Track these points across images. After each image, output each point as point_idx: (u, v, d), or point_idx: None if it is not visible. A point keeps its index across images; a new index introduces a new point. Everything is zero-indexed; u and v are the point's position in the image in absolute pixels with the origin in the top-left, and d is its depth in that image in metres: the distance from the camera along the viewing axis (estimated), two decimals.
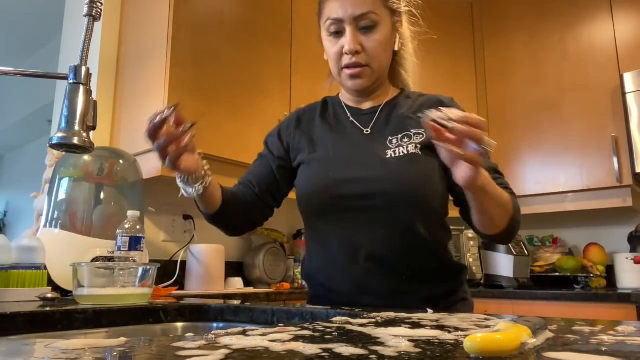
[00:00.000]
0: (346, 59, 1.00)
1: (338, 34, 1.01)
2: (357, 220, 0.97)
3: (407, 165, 0.97)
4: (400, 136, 1.01)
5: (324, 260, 1.04)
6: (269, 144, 1.15)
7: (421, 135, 1.00)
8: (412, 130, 1.01)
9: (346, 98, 1.12)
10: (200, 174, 0.92)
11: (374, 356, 0.37)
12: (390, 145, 1.00)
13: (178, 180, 0.93)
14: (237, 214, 1.08)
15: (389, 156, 0.98)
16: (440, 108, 0.73)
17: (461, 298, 1.03)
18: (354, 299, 0.97)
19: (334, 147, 1.05)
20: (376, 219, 0.96)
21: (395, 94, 1.11)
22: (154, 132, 0.84)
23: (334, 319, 0.63)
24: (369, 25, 1.00)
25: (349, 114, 1.09)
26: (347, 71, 1.01)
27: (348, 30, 0.99)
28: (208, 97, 1.92)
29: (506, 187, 0.96)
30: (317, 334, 0.49)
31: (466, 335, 0.38)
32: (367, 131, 1.05)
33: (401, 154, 0.98)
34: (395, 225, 0.96)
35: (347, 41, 0.99)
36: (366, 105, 1.09)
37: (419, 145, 0.98)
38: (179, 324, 0.94)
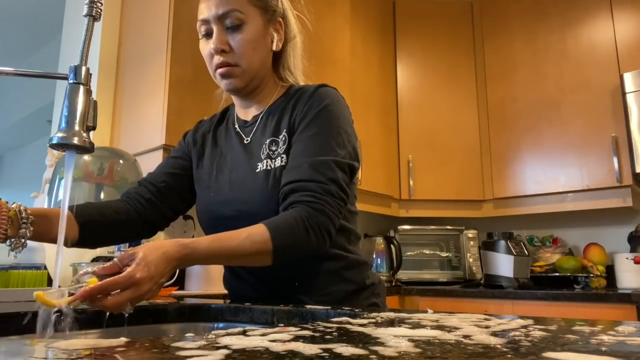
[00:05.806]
0: (216, 60, 0.98)
1: (208, 35, 0.99)
2: None
3: (272, 181, 0.94)
4: (268, 142, 0.99)
5: (228, 272, 1.07)
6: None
7: (284, 139, 0.97)
8: (279, 136, 0.98)
9: (236, 105, 1.11)
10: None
11: (374, 356, 0.37)
12: (262, 156, 0.98)
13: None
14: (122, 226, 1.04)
15: (258, 170, 0.97)
16: None
17: (371, 303, 1.01)
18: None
19: (218, 165, 1.05)
20: None
21: (280, 94, 1.07)
22: None
23: (334, 319, 0.63)
24: (235, 24, 0.97)
25: (236, 124, 1.08)
26: (218, 71, 0.99)
27: (214, 30, 0.97)
28: (208, 97, 1.92)
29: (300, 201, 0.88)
30: (317, 334, 0.49)
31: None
32: (247, 140, 1.03)
33: (268, 167, 0.96)
34: None
35: (212, 41, 0.98)
36: (252, 112, 1.07)
37: (283, 156, 0.96)
38: (179, 324, 0.94)
